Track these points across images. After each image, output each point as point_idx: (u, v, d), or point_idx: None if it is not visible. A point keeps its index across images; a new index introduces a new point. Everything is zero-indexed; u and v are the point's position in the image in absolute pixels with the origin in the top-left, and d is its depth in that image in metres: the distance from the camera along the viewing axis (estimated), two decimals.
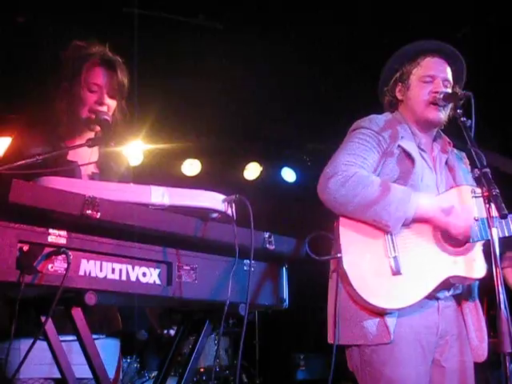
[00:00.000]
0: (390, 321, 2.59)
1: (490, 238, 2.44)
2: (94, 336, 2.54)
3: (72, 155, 2.60)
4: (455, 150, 3.01)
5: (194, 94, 6.22)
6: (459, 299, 2.80)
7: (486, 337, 2.77)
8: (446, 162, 2.93)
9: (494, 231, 2.26)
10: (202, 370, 5.84)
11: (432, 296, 2.66)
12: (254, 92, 6.20)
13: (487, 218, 2.30)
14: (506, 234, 2.66)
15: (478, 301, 2.82)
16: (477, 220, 2.62)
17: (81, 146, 2.44)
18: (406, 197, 2.61)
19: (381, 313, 2.60)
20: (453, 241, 2.67)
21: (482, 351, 2.74)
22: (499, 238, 2.58)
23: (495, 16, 5.26)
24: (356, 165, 2.69)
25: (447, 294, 2.73)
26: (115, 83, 2.65)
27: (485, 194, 2.29)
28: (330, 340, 2.72)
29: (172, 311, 2.76)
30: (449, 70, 2.89)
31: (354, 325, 2.64)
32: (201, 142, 7.18)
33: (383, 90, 3.03)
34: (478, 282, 2.79)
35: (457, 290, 2.76)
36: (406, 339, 2.60)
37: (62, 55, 2.67)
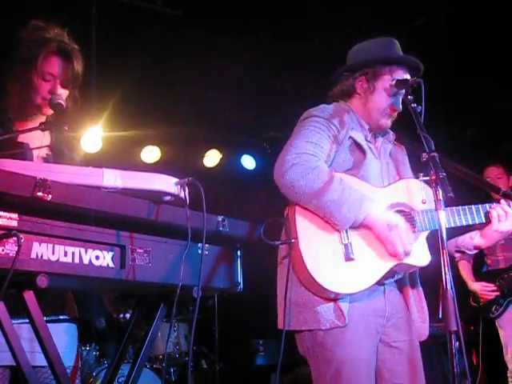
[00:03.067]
0: (343, 305, 2.66)
1: (433, 228, 2.66)
2: (53, 318, 2.54)
3: (23, 137, 2.56)
4: (395, 142, 3.10)
5: (154, 80, 6.18)
6: (402, 284, 2.92)
7: (428, 318, 2.91)
8: (390, 154, 3.03)
9: (442, 214, 2.32)
10: (161, 356, 5.84)
11: (380, 282, 2.75)
12: (214, 79, 6.18)
13: (434, 201, 2.36)
14: (452, 225, 2.78)
15: (419, 285, 2.96)
16: (424, 203, 2.69)
17: (33, 129, 2.42)
18: (359, 202, 2.65)
19: (333, 298, 2.67)
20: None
21: (423, 331, 2.89)
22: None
23: (453, 6, 5.33)
24: (317, 155, 2.72)
25: (391, 279, 2.84)
26: (70, 74, 2.62)
27: (432, 177, 2.36)
28: (279, 325, 2.76)
29: (127, 295, 2.77)
30: None
31: (306, 310, 2.69)
32: (160, 129, 7.13)
33: (343, 73, 3.01)
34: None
35: (399, 275, 2.86)
36: (357, 322, 2.69)
37: (19, 35, 2.62)
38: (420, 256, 2.73)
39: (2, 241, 1.82)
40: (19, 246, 1.82)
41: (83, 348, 5.66)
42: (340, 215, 2.63)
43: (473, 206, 2.83)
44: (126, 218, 2.10)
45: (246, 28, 5.57)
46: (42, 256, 1.92)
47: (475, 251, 2.92)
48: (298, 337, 2.79)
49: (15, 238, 1.83)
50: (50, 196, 1.86)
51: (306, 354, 2.77)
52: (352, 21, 5.10)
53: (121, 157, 7.05)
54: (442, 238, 2.28)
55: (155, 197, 2.17)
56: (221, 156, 7.79)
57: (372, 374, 2.73)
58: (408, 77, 2.89)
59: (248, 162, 8.02)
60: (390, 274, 2.75)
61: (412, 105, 2.60)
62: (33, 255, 1.90)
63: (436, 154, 2.38)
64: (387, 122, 2.95)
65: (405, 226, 2.69)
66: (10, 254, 1.83)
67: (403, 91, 2.82)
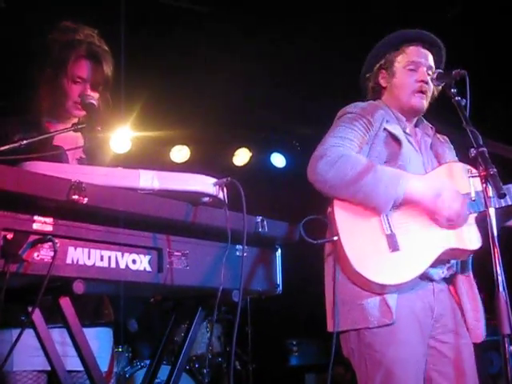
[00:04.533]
0: (391, 300, 2.57)
1: (480, 210, 2.60)
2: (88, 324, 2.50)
3: (57, 140, 2.54)
4: (437, 135, 3.05)
5: (182, 80, 6.14)
6: (453, 280, 2.80)
7: (484, 316, 2.77)
8: (431, 147, 2.96)
9: (492, 211, 2.23)
10: (194, 358, 5.80)
11: (426, 277, 2.67)
12: (242, 77, 6.13)
13: (484, 198, 2.26)
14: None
15: (473, 280, 2.83)
16: (474, 200, 2.57)
17: (67, 130, 2.39)
18: (395, 178, 2.61)
19: (381, 291, 2.58)
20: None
21: (479, 330, 2.75)
22: (502, 207, 2.63)
23: None
24: (343, 146, 2.70)
25: (441, 274, 2.73)
26: (100, 77, 2.61)
27: (482, 173, 2.26)
28: (329, 328, 2.69)
29: (164, 299, 2.72)
30: (431, 57, 2.92)
31: (354, 307, 2.62)
32: (189, 129, 7.09)
33: (365, 76, 3.04)
34: (471, 260, 2.82)
35: (450, 270, 2.76)
36: (406, 319, 2.59)
37: (49, 37, 2.61)
38: (469, 239, 2.63)
39: (37, 246, 1.77)
40: (55, 251, 1.76)
41: (116, 350, 5.64)
42: (378, 196, 2.58)
43: None
44: (163, 220, 2.04)
45: (275, 23, 5.51)
46: (77, 261, 1.86)
47: None
48: (342, 337, 2.70)
49: (51, 243, 1.77)
50: (86, 199, 1.80)
51: (350, 355, 2.68)
52: (384, 12, 4.99)
53: (150, 157, 7.02)
54: (492, 235, 2.18)
55: (193, 198, 2.11)
56: (250, 154, 7.73)
57: (421, 376, 2.62)
58: (424, 51, 2.90)
59: (278, 159, 7.94)
60: (441, 261, 2.67)
61: (456, 98, 2.51)
62: (68, 260, 1.84)
63: (485, 149, 2.29)
64: (419, 102, 2.87)
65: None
66: (46, 260, 1.78)
67: (425, 63, 2.86)
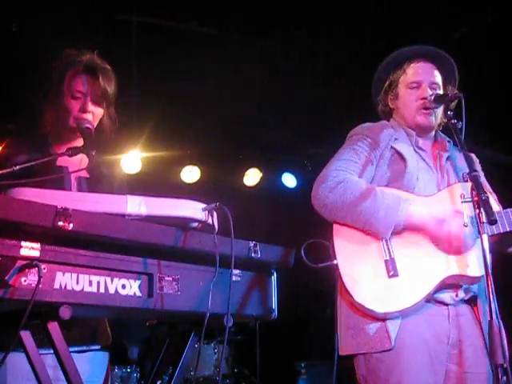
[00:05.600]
0: (392, 326, 2.51)
1: (490, 234, 2.46)
2: (84, 347, 2.50)
3: (62, 161, 2.57)
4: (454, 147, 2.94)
5: (193, 100, 6.17)
6: (474, 301, 2.67)
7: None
8: (448, 161, 2.87)
9: (485, 237, 2.18)
10: (201, 379, 5.78)
11: (437, 301, 2.58)
12: (253, 97, 6.15)
13: (477, 224, 2.22)
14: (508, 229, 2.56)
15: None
16: (466, 226, 2.49)
17: (62, 155, 2.40)
18: (395, 203, 2.57)
19: (382, 318, 2.53)
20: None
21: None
22: (504, 233, 2.54)
23: (495, 15, 5.19)
24: (346, 170, 2.69)
25: (455, 297, 2.62)
26: (98, 90, 2.63)
27: (474, 198, 2.23)
28: (340, 352, 2.63)
29: (158, 323, 2.71)
30: (436, 72, 2.87)
31: (357, 332, 2.58)
32: (200, 149, 7.12)
33: (376, 99, 3.04)
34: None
35: (469, 292, 2.65)
36: (412, 347, 2.51)
37: (52, 64, 2.66)
38: (474, 265, 2.51)
39: (24, 271, 1.78)
40: (40, 277, 1.77)
41: (123, 370, 5.63)
42: (377, 222, 2.55)
43: None
44: (152, 245, 2.04)
45: (283, 44, 5.53)
46: (65, 286, 1.86)
47: None
48: (354, 362, 2.64)
49: (37, 269, 1.78)
50: (72, 225, 1.81)
51: (361, 380, 2.61)
52: (393, 33, 4.99)
53: (161, 177, 7.05)
54: (485, 262, 2.14)
55: (182, 223, 2.11)
56: (261, 175, 7.72)
57: None
58: (427, 65, 2.86)
59: (289, 179, 7.92)
60: (446, 287, 2.57)
61: (452, 121, 2.49)
62: (56, 285, 1.85)
63: (478, 174, 2.26)
64: (424, 119, 2.82)
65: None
66: (33, 285, 1.78)
67: (427, 79, 2.81)
